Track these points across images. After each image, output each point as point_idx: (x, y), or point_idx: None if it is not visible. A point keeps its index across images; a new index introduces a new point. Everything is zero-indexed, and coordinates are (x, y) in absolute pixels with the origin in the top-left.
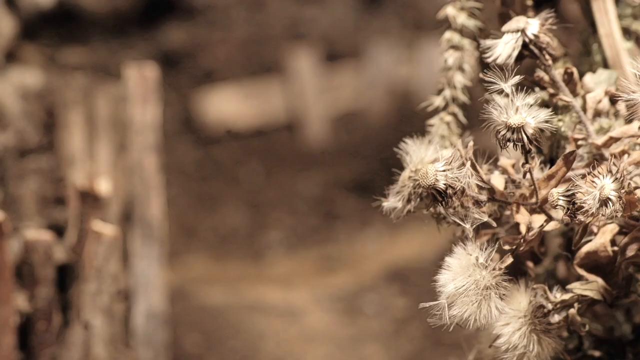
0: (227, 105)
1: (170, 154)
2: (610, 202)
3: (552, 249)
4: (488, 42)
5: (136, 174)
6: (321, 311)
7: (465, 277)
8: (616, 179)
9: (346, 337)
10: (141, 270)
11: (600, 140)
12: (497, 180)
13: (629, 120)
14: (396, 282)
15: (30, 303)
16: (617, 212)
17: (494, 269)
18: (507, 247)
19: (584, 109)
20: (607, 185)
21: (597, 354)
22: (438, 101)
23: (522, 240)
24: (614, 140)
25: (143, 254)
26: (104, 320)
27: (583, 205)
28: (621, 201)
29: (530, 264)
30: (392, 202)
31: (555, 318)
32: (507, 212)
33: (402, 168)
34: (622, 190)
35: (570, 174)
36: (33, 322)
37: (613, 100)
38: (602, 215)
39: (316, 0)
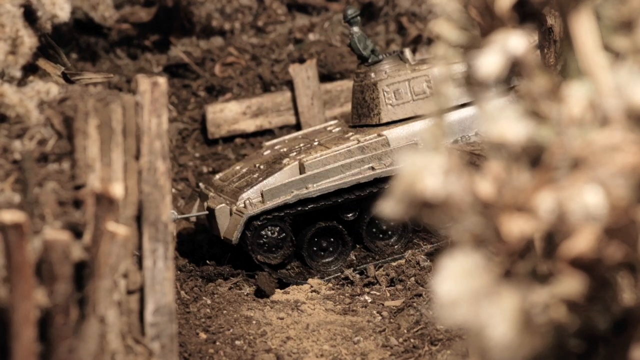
0: (237, 115)
1: (181, 160)
2: (594, 209)
3: (536, 249)
4: (475, 56)
5: (147, 178)
6: (320, 307)
7: (459, 280)
8: (600, 186)
9: (343, 330)
10: (150, 267)
11: (580, 148)
12: (485, 187)
13: (606, 129)
14: (392, 282)
15: (49, 298)
16: (601, 218)
17: (486, 273)
18: (496, 251)
19: (565, 118)
20: (591, 192)
21: (576, 347)
22: (428, 110)
23: (509, 244)
24: (594, 148)
25: (152, 253)
26: (118, 314)
27: (568, 211)
28: (605, 208)
29: (516, 264)
30: (388, 207)
31: (540, 317)
32: (495, 217)
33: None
34: (606, 198)
35: (554, 180)
36: (52, 316)
37: (591, 110)
38: (586, 221)
39: (315, 24)
